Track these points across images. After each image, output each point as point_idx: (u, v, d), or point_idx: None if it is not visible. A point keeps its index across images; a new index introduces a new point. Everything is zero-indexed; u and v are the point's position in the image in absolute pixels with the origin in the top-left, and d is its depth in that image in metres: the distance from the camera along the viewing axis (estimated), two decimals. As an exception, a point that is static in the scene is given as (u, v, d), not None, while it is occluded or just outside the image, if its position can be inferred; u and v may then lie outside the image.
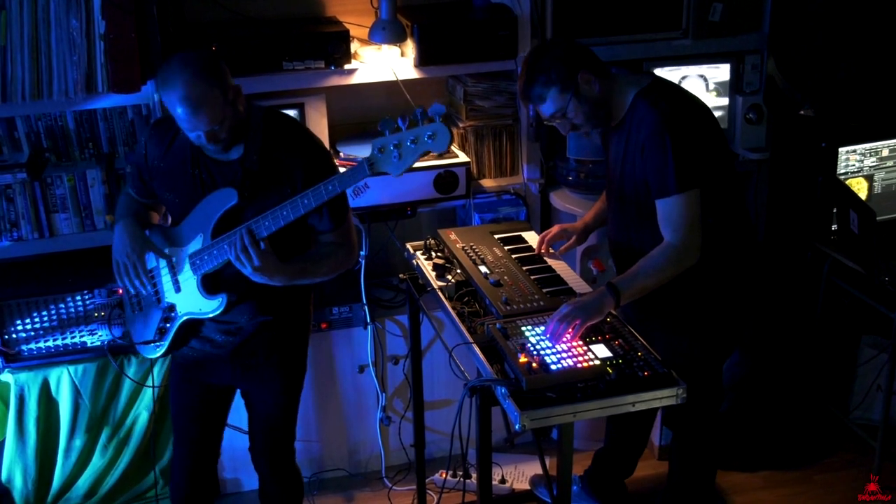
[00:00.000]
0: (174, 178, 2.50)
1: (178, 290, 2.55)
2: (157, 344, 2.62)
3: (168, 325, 2.59)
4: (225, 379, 2.69)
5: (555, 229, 2.91)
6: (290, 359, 2.71)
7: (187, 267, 2.51)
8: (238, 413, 2.88)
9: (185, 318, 2.55)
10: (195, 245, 2.48)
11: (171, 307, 2.57)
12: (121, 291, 2.74)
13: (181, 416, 2.78)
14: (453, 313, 2.52)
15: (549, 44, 2.63)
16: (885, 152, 3.54)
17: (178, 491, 2.85)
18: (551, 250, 2.89)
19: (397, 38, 3.18)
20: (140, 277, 2.55)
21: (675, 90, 2.63)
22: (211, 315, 2.51)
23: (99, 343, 3.18)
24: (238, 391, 2.81)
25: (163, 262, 2.56)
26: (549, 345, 2.27)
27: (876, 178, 3.55)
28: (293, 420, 2.82)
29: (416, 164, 3.11)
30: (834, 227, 3.48)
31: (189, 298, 2.53)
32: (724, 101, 3.51)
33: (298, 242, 2.53)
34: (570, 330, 2.30)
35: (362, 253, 3.35)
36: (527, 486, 3.46)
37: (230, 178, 2.43)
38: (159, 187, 2.56)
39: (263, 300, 2.55)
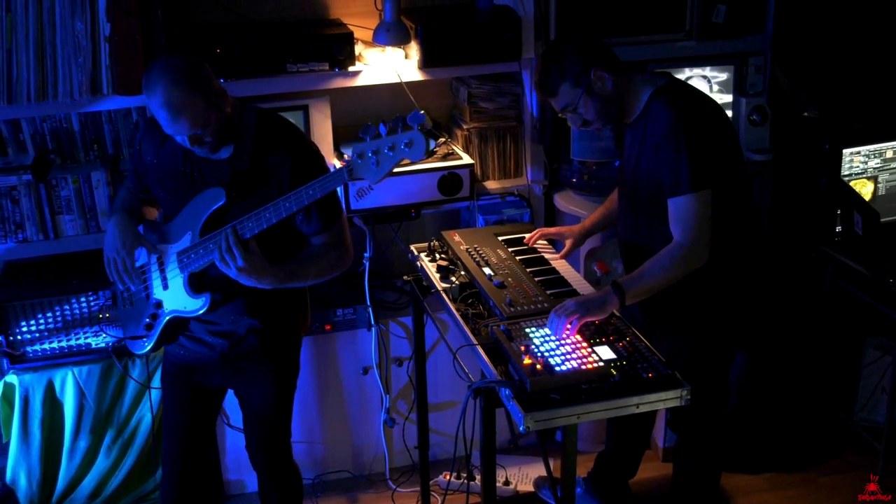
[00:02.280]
0: (167, 175, 2.52)
1: (165, 287, 2.56)
2: (145, 340, 2.63)
3: (155, 321, 2.59)
4: (216, 381, 2.69)
5: (552, 230, 2.92)
6: (282, 362, 2.70)
7: (175, 264, 2.51)
8: (239, 413, 2.86)
9: (170, 315, 2.56)
10: (184, 243, 2.48)
11: (159, 304, 2.58)
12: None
13: (171, 419, 2.76)
14: (457, 315, 2.52)
15: (567, 38, 2.60)
16: (890, 154, 3.54)
17: (165, 497, 2.83)
18: (542, 242, 2.91)
19: (401, 40, 3.19)
20: (129, 273, 2.54)
21: (691, 91, 2.63)
22: (195, 314, 2.51)
23: (103, 344, 3.18)
24: (230, 391, 2.81)
25: (153, 259, 2.57)
26: (554, 346, 2.27)
27: (880, 179, 3.54)
28: (288, 418, 2.81)
29: (420, 166, 3.18)
30: (838, 228, 3.47)
31: (175, 296, 2.53)
32: (728, 98, 3.52)
33: (292, 245, 2.52)
34: (568, 324, 2.30)
35: (366, 255, 3.35)
36: (531, 488, 3.46)
37: (220, 177, 2.43)
38: (152, 183, 2.58)
39: (251, 302, 2.54)
